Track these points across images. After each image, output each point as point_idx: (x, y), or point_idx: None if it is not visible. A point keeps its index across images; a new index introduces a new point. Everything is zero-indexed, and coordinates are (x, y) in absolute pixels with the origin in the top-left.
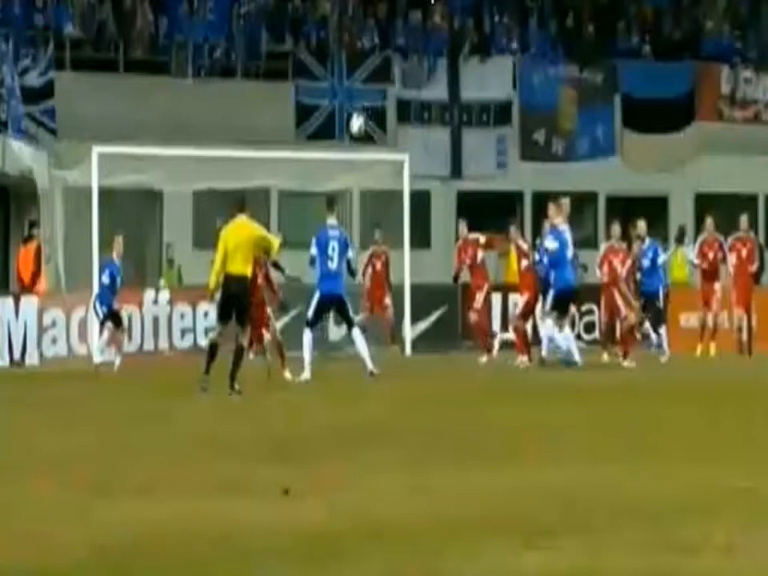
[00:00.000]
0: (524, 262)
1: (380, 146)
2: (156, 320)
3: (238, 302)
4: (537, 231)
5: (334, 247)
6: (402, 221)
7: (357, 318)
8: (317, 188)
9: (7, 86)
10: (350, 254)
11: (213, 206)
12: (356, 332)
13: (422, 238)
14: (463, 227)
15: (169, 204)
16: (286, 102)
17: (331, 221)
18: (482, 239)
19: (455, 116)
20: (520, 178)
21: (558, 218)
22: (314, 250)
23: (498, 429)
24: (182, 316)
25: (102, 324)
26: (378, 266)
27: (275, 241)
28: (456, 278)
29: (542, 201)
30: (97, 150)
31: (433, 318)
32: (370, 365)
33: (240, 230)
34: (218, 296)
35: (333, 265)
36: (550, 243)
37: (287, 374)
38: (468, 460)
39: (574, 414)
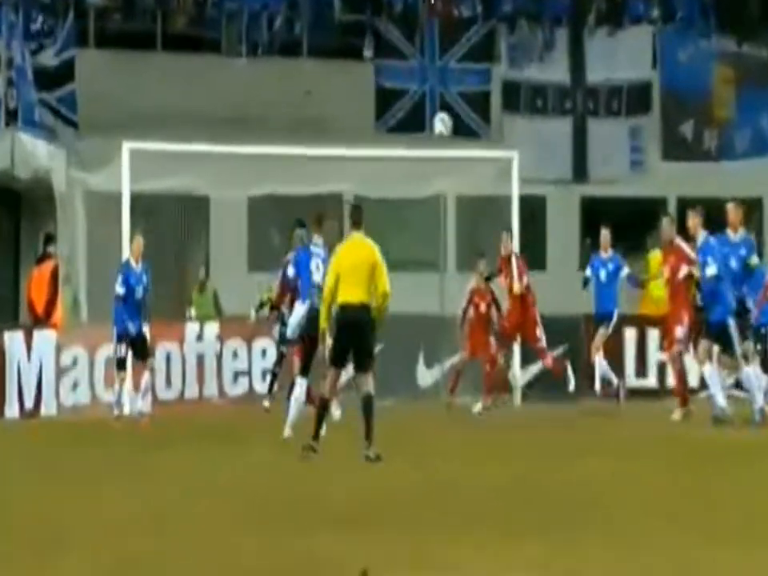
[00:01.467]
0: (682, 271)
1: (482, 141)
2: (201, 359)
3: (359, 338)
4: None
5: (318, 265)
6: (509, 235)
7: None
8: (401, 193)
9: (17, 66)
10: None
11: (272, 217)
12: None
13: (535, 257)
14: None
15: (217, 213)
16: (363, 86)
17: (318, 240)
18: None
19: (578, 103)
20: (661, 181)
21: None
22: (291, 271)
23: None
24: (235, 355)
25: (120, 363)
26: (483, 307)
27: (387, 284)
28: None
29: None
30: (128, 146)
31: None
32: (286, 431)
33: (358, 250)
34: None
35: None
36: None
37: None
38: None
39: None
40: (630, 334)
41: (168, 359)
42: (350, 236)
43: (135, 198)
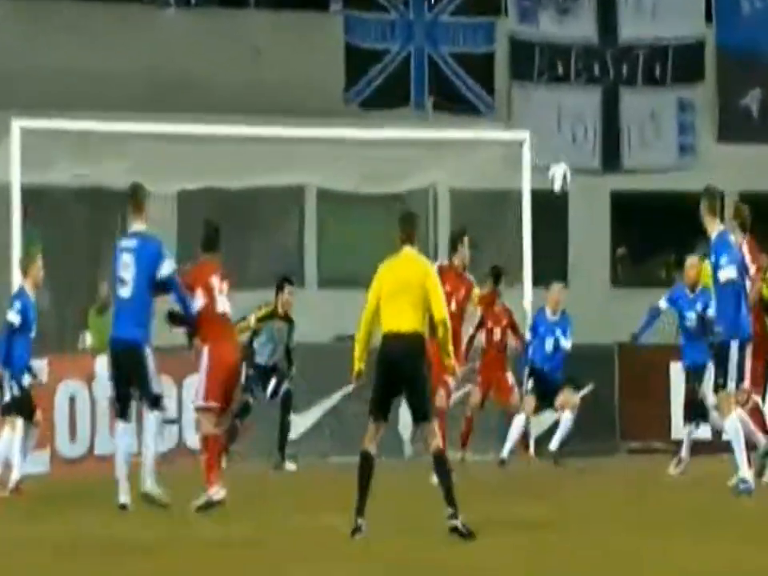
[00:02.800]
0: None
1: (484, 119)
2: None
3: (411, 377)
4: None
5: (127, 264)
6: (519, 240)
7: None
8: (379, 186)
9: None
10: (165, 271)
11: (209, 217)
12: (151, 419)
13: (552, 268)
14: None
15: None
16: (329, 46)
17: (138, 226)
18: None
19: (609, 68)
20: (717, 170)
21: (712, 220)
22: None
23: None
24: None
25: (6, 410)
26: (498, 333)
27: (444, 310)
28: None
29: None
30: (19, 124)
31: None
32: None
33: (406, 267)
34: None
35: (125, 292)
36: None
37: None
38: None
39: None
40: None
41: (72, 403)
42: (400, 252)
43: (31, 193)
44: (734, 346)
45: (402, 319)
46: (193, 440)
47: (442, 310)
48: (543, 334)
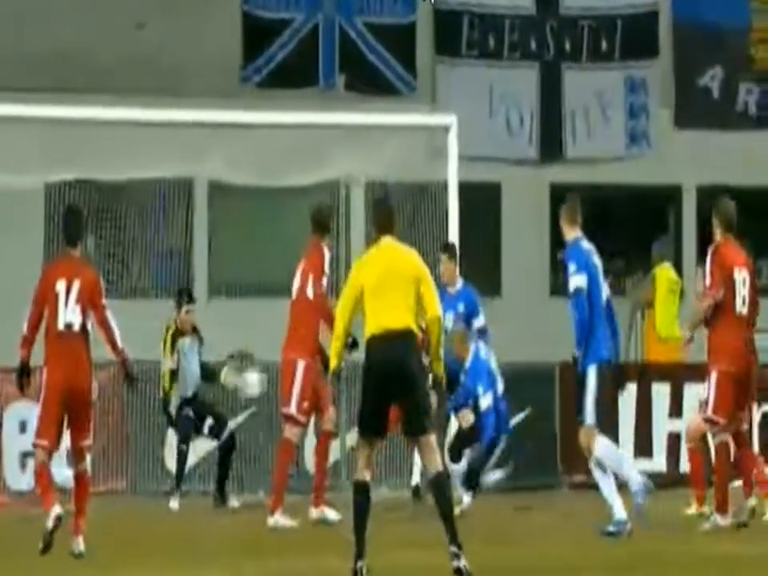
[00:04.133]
0: (705, 302)
1: (404, 101)
2: None
3: (406, 384)
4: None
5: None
6: (444, 240)
7: None
8: (282, 178)
9: None
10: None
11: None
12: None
13: (485, 276)
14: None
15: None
16: (223, 16)
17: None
18: None
19: (549, 42)
20: (673, 160)
21: (570, 227)
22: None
23: None
24: (23, 428)
25: None
26: None
27: (438, 305)
28: None
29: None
30: None
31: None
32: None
33: (392, 258)
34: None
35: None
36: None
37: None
38: None
39: None
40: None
41: None
42: (380, 242)
43: None
44: (591, 372)
45: (392, 317)
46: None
47: (435, 306)
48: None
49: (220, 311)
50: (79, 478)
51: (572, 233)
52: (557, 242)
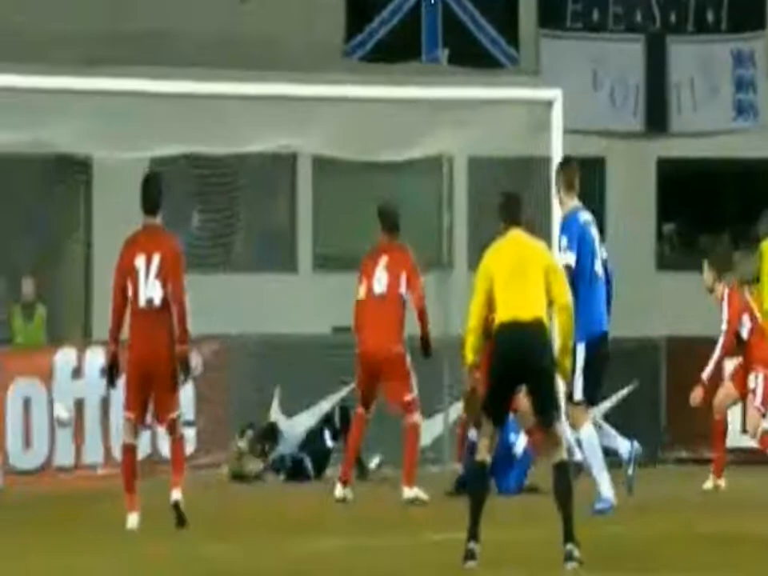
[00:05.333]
0: None
1: (507, 74)
2: (79, 407)
3: (535, 372)
4: None
5: None
6: (548, 217)
7: None
8: (384, 153)
9: None
10: None
11: (189, 189)
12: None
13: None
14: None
15: (103, 184)
16: None
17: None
18: None
19: (654, 14)
20: None
21: (567, 194)
22: None
23: None
24: None
25: None
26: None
27: (567, 294)
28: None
29: None
30: None
31: (608, 404)
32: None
33: (520, 249)
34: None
35: None
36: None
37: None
38: None
39: None
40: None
41: (26, 406)
42: (508, 233)
43: None
44: (580, 348)
45: (522, 307)
46: None
47: (565, 295)
48: None
49: (324, 285)
50: (173, 445)
51: (570, 201)
52: (663, 215)
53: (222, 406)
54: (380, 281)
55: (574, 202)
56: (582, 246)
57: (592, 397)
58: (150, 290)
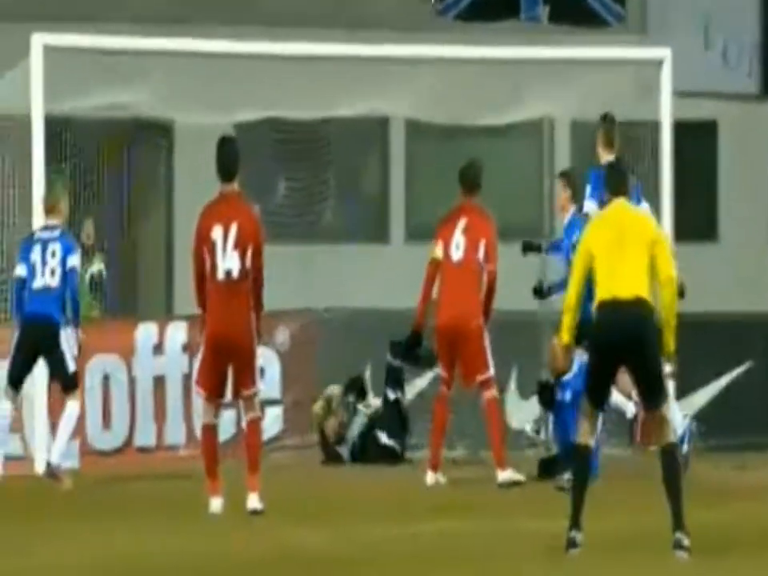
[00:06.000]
0: None
1: (612, 33)
2: (160, 384)
3: (639, 353)
4: None
5: (53, 252)
6: (656, 184)
7: None
8: (480, 118)
9: None
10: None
11: (275, 156)
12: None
13: (699, 221)
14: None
15: (185, 149)
16: None
17: (52, 221)
18: None
19: None
20: None
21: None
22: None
23: None
24: None
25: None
26: None
27: (672, 267)
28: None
29: None
30: (41, 40)
31: (722, 382)
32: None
33: (623, 220)
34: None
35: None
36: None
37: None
38: None
39: None
40: None
41: (105, 384)
42: (614, 202)
43: (54, 124)
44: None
45: (621, 285)
46: None
47: (668, 268)
48: None
49: (417, 257)
50: (248, 426)
51: (607, 157)
52: None
53: (309, 383)
54: (458, 247)
55: (610, 158)
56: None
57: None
58: (228, 262)
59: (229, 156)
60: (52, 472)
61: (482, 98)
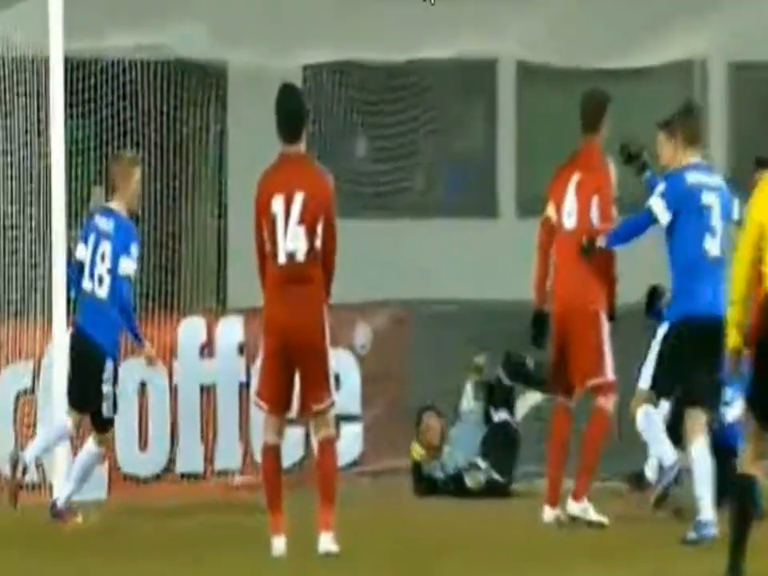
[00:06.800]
0: None
1: None
2: (209, 392)
3: None
4: None
5: (102, 255)
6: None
7: None
8: (616, 61)
9: None
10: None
11: (354, 106)
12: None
13: None
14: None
15: (240, 97)
16: None
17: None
18: None
19: None
20: None
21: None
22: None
23: None
24: None
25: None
26: None
27: None
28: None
29: None
30: None
31: None
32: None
33: None
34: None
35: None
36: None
37: None
38: None
39: None
40: None
41: (141, 393)
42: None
43: (75, 67)
44: (662, 329)
45: None
46: None
47: None
48: None
49: (532, 233)
50: (321, 448)
51: (689, 157)
52: None
53: (396, 394)
54: (570, 212)
55: (689, 159)
56: (683, 213)
57: (664, 388)
58: (292, 241)
59: (293, 109)
60: (58, 512)
61: (615, 36)
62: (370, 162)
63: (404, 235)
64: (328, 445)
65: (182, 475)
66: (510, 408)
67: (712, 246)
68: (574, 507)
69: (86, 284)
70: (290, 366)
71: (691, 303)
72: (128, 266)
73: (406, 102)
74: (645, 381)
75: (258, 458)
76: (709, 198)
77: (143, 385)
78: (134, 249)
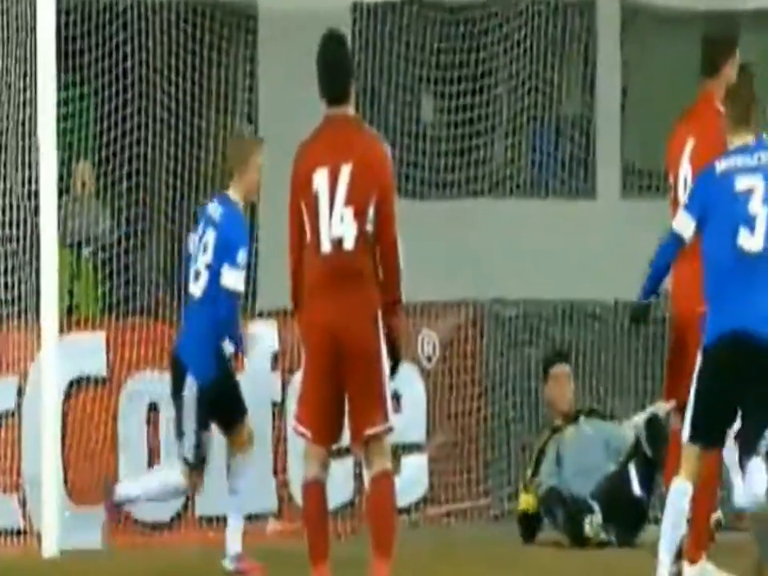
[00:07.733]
0: None
1: None
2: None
3: None
4: None
5: (205, 245)
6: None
7: None
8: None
9: None
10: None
11: (415, 62)
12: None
13: None
14: None
15: (270, 42)
16: None
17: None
18: None
19: None
20: None
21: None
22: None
23: None
24: None
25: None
26: None
27: None
28: None
29: None
30: None
31: None
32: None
33: None
34: None
35: (195, 288)
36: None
37: None
38: None
39: None
40: None
41: (150, 416)
42: None
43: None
44: (698, 356)
45: None
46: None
47: None
48: None
49: (638, 218)
50: (375, 484)
51: (739, 140)
52: None
53: (470, 416)
54: (686, 184)
55: (736, 141)
56: (711, 207)
57: (708, 436)
58: (338, 225)
59: (338, 62)
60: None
61: None
62: (436, 128)
63: (479, 219)
64: (385, 480)
65: (201, 519)
66: (648, 486)
67: (748, 241)
68: (689, 571)
69: (191, 283)
70: (339, 382)
71: (720, 318)
72: (230, 277)
73: (485, 51)
74: (686, 430)
75: (298, 497)
76: (746, 182)
77: (153, 408)
78: (242, 255)
